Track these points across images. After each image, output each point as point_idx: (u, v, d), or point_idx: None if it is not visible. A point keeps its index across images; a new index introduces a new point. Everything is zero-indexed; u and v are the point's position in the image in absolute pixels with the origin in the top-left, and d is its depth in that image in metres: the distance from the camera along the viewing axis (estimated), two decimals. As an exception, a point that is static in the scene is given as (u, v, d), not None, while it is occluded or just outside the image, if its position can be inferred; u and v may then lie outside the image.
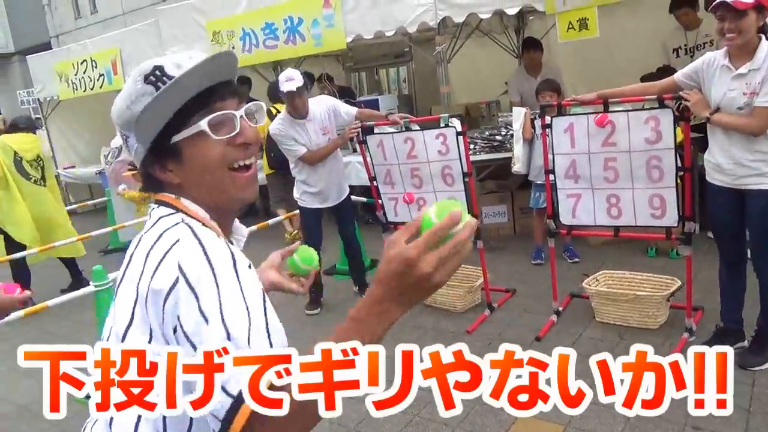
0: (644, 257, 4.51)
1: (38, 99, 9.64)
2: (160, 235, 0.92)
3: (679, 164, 3.01)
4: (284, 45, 5.85)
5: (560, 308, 3.74)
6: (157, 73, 0.95)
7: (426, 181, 3.83)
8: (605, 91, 3.16)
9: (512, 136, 5.20)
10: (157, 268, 0.87)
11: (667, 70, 4.18)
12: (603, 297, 3.53)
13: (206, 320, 0.82)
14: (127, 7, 17.81)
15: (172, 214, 0.97)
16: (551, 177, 3.45)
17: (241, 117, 0.99)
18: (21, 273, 5.24)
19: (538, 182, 4.39)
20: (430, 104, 7.24)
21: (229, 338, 0.82)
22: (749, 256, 2.94)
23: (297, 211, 4.53)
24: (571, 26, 4.52)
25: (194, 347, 0.82)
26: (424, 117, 4.52)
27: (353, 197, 4.60)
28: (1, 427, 3.26)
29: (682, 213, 3.05)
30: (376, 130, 3.94)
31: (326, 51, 6.13)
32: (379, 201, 4.17)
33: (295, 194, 4.21)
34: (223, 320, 0.83)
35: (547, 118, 3.34)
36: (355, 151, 5.52)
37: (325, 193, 4.12)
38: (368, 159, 4.05)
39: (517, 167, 4.52)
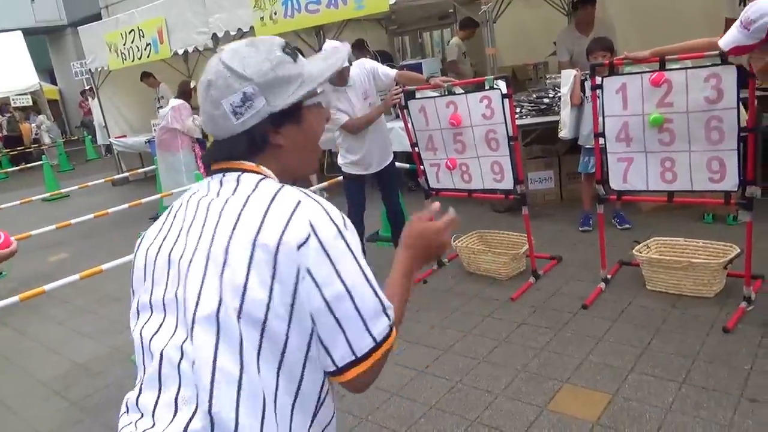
0: (699, 224, 4.32)
1: (90, 70, 9.88)
2: (275, 196, 1.00)
3: (743, 125, 2.83)
4: (326, 9, 5.77)
5: (609, 276, 3.64)
6: (291, 47, 1.11)
7: (469, 146, 3.74)
8: (661, 48, 2.97)
9: (560, 99, 5.02)
10: (287, 224, 0.95)
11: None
12: (655, 264, 3.41)
13: (336, 271, 0.96)
14: (172, -24, 17.88)
15: (265, 178, 1.07)
16: (601, 140, 3.31)
17: None
18: None
19: (588, 146, 4.23)
20: (475, 66, 7.05)
21: (365, 281, 0.99)
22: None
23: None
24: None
25: (322, 295, 0.94)
26: (468, 80, 4.39)
27: (396, 164, 4.55)
28: (61, 383, 3.45)
29: (744, 177, 2.88)
30: (417, 95, 3.86)
31: (368, 14, 6.00)
32: (421, 167, 4.11)
33: (339, 161, 4.20)
34: (355, 270, 0.98)
35: (598, 79, 3.19)
36: (397, 116, 5.44)
37: (367, 161, 4.07)
38: (410, 124, 3.98)
39: (564, 132, 4.36)
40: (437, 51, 9.32)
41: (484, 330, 3.30)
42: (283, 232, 0.95)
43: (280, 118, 1.08)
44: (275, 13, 6.16)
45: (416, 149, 4.05)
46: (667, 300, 3.30)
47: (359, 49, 6.84)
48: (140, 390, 1.01)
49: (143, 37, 8.04)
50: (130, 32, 8.21)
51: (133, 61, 8.41)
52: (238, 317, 0.92)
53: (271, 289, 0.93)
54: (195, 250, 0.99)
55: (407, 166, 5.17)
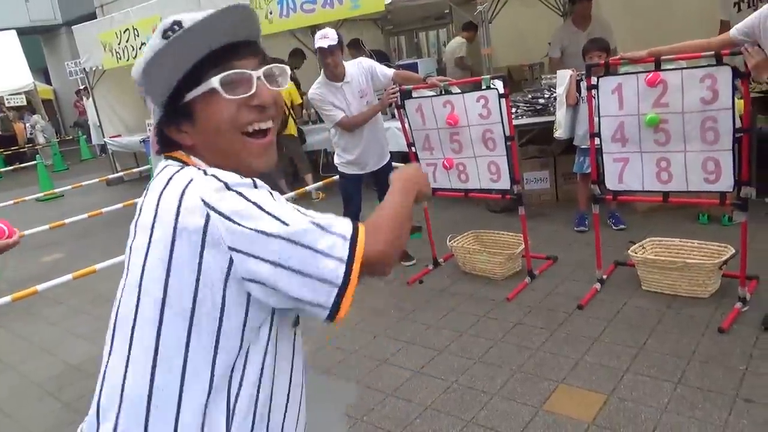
0: (694, 224, 4.33)
1: (84, 69, 9.84)
2: (169, 179, 0.90)
3: (737, 125, 2.83)
4: (321, 8, 5.76)
5: (604, 276, 3.64)
6: (176, 27, 0.90)
7: (466, 145, 3.74)
8: (658, 48, 2.98)
9: (556, 99, 5.03)
10: (178, 207, 0.85)
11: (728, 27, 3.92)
12: (650, 265, 3.41)
13: (259, 231, 0.84)
14: (168, -25, 17.84)
15: (181, 166, 0.95)
16: (597, 140, 3.31)
17: (259, 78, 0.95)
18: None
19: (583, 146, 4.24)
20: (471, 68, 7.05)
21: (293, 223, 0.86)
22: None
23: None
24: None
25: (260, 259, 0.84)
26: (465, 79, 4.38)
27: (393, 163, 4.54)
28: (55, 384, 3.43)
29: (739, 177, 2.88)
30: (414, 94, 3.85)
31: (364, 14, 6.00)
32: (418, 167, 4.10)
33: (335, 161, 4.19)
34: (274, 219, 0.86)
35: (594, 79, 3.19)
36: (393, 116, 5.44)
37: (363, 160, 4.07)
38: (406, 124, 3.98)
39: (559, 133, 4.37)
40: (433, 51, 9.33)
41: (479, 330, 3.30)
42: (176, 220, 0.85)
43: (172, 117, 0.95)
44: (270, 13, 6.15)
45: (413, 149, 4.04)
46: (662, 300, 3.31)
47: (355, 48, 6.84)
48: None
49: (138, 36, 8.01)
50: (125, 31, 8.19)
51: (127, 60, 8.37)
52: (134, 319, 0.88)
53: (166, 284, 0.86)
54: (128, 250, 0.96)
55: (402, 165, 5.16)
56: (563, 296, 3.55)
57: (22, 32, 17.07)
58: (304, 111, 7.18)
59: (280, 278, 0.85)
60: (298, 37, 7.38)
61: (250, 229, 0.83)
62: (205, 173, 0.89)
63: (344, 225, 0.90)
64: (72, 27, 9.85)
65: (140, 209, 0.94)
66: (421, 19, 8.70)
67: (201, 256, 0.84)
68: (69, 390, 3.31)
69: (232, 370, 0.90)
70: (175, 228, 0.85)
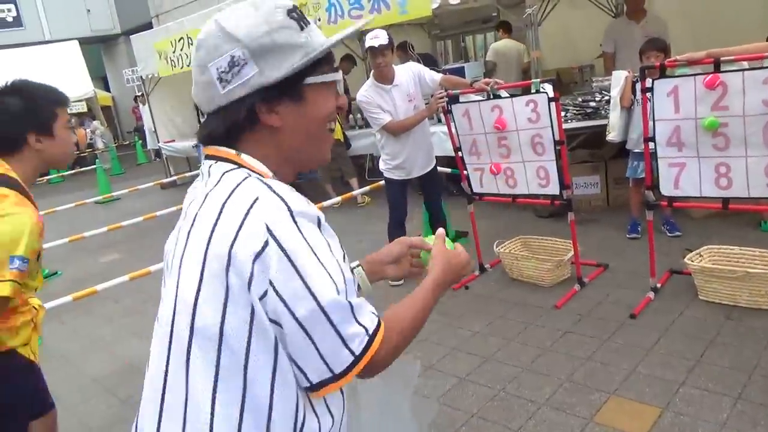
0: (754, 232, 4.13)
1: (141, 77, 10.22)
2: (232, 192, 0.87)
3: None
4: (369, 14, 5.81)
5: (658, 285, 3.52)
6: (298, 12, 0.95)
7: (514, 150, 3.69)
8: (716, 49, 2.86)
9: (607, 102, 4.90)
10: (239, 229, 0.83)
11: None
12: (708, 274, 3.27)
13: (305, 283, 0.83)
14: (220, -16, 18.36)
15: (235, 168, 0.92)
16: (651, 145, 3.21)
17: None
18: None
19: (636, 150, 4.11)
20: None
21: (336, 293, 0.86)
22: None
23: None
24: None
25: (290, 311, 0.83)
26: (514, 83, 4.33)
27: (438, 168, 4.53)
28: (112, 381, 3.56)
29: (805, 183, 2.74)
30: (461, 99, 3.83)
31: (411, 18, 6.01)
32: (464, 172, 4.07)
33: (381, 166, 4.20)
34: (323, 278, 0.85)
35: (648, 81, 3.10)
36: (439, 120, 5.42)
37: (409, 165, 4.07)
38: (453, 129, 3.95)
39: (612, 135, 4.25)
40: (480, 55, 9.25)
41: (527, 338, 3.24)
42: (234, 240, 0.83)
43: (276, 94, 0.92)
44: (319, 19, 6.24)
45: (459, 153, 4.02)
46: (721, 311, 3.17)
47: (403, 50, 6.85)
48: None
49: (192, 44, 8.26)
50: (179, 40, 8.46)
51: (182, 68, 8.65)
52: (190, 339, 0.87)
53: (225, 303, 0.84)
54: (173, 257, 0.94)
55: (449, 170, 5.14)
56: (615, 305, 3.45)
57: (83, 42, 17.89)
58: (350, 116, 7.25)
59: (295, 339, 0.85)
60: (345, 43, 7.46)
61: (298, 274, 0.83)
62: (270, 189, 0.88)
63: (370, 317, 0.90)
64: (130, 36, 10.25)
65: (195, 215, 0.91)
66: (468, 23, 8.65)
67: (249, 285, 0.83)
68: (125, 387, 3.43)
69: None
70: (230, 252, 0.83)
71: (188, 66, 8.49)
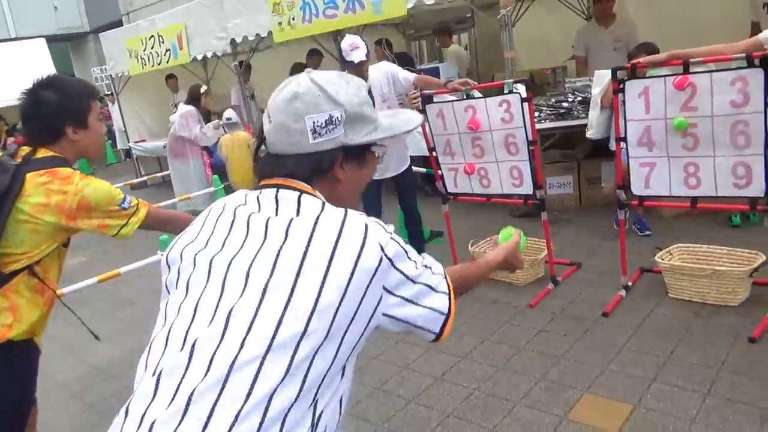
0: (722, 231, 4.22)
1: (110, 75, 10.01)
2: (344, 220, 1.03)
3: (769, 129, 2.76)
4: (344, 14, 5.77)
5: (629, 283, 3.57)
6: (370, 93, 1.19)
7: (488, 150, 3.70)
8: (679, 51, 2.91)
9: (580, 103, 4.97)
10: (362, 249, 1.00)
11: (759, 28, 3.84)
12: (677, 272, 3.33)
13: (408, 277, 1.08)
14: (192, -18, 18.11)
15: (305, 193, 1.09)
16: (622, 145, 3.25)
17: None
18: None
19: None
20: (492, 71, 7.00)
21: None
22: None
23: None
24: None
25: (406, 299, 1.08)
26: (487, 83, 4.34)
27: (413, 168, 4.52)
28: (79, 386, 3.47)
29: (770, 182, 2.80)
30: (435, 99, 3.83)
31: (386, 18, 5.99)
32: (439, 172, 4.07)
33: (355, 165, 4.17)
34: (411, 260, 1.10)
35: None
36: (414, 121, 5.41)
37: (384, 165, 4.04)
38: (427, 129, 3.95)
39: (591, 133, 4.30)
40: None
41: (502, 337, 3.26)
42: (359, 258, 0.99)
43: (350, 154, 1.13)
44: (293, 18, 6.18)
45: (434, 153, 4.02)
46: (690, 308, 3.23)
47: (378, 45, 6.83)
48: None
49: (163, 42, 8.13)
50: (150, 38, 8.31)
51: (153, 66, 8.51)
52: (299, 342, 0.93)
53: (336, 312, 0.96)
54: (250, 267, 0.99)
55: (423, 170, 5.14)
56: (588, 303, 3.49)
57: (50, 39, 17.46)
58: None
59: (409, 312, 1.08)
60: (320, 42, 7.41)
61: (401, 272, 1.05)
62: (369, 217, 1.08)
63: (438, 265, 1.18)
64: (99, 34, 10.03)
65: (289, 232, 1.01)
66: (443, 23, 8.67)
67: (365, 292, 1.00)
68: (92, 392, 3.34)
69: (326, 387, 0.99)
70: (354, 268, 0.99)
71: (159, 64, 8.36)
